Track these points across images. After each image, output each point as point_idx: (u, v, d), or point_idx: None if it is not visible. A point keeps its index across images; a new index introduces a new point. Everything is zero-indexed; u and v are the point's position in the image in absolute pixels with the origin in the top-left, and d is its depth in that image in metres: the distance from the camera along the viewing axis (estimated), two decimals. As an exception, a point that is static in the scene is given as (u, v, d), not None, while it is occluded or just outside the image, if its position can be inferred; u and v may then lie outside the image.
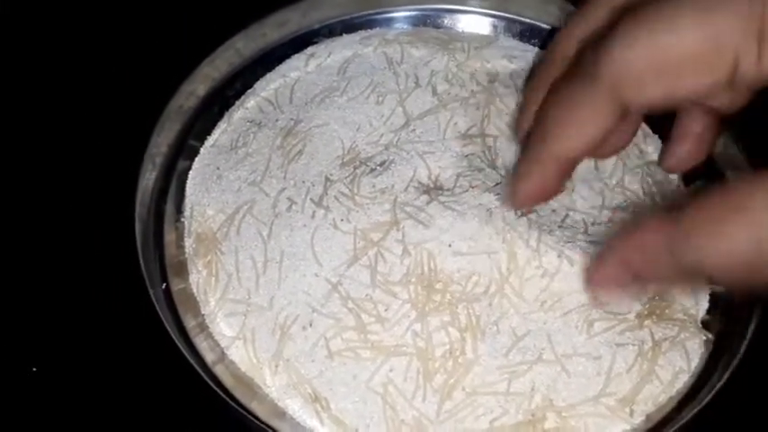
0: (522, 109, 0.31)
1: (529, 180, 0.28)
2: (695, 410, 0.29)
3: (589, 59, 0.23)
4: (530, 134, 0.29)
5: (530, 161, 0.28)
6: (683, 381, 0.31)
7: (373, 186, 0.35)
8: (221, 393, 0.29)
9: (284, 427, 0.29)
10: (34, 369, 0.31)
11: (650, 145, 0.39)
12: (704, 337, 0.32)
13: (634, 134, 0.30)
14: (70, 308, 0.32)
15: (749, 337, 0.30)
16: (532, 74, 0.28)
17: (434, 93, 0.40)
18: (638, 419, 0.30)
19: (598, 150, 0.27)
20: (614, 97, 0.23)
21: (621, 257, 0.25)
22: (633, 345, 0.31)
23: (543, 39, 0.43)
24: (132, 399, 0.30)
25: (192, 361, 0.30)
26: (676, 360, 0.31)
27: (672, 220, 0.22)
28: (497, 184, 0.35)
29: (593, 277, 0.28)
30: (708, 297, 0.33)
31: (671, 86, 0.23)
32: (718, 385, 0.29)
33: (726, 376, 0.29)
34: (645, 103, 0.24)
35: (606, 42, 0.22)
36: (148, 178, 0.36)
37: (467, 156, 0.37)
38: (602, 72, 0.22)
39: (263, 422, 0.29)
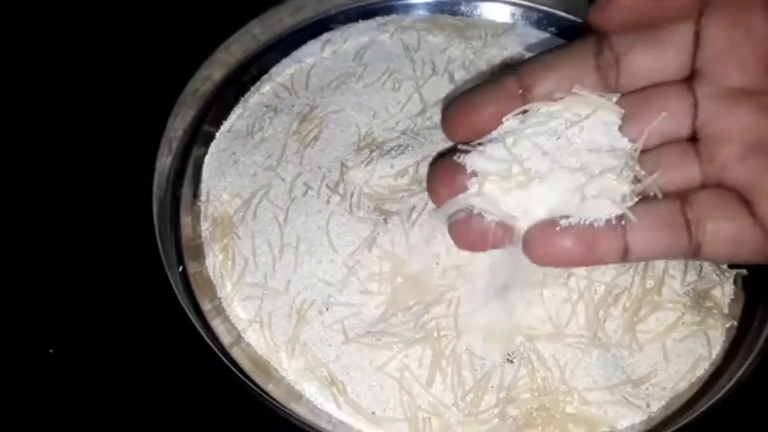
0: None
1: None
2: (713, 400, 0.29)
3: None
4: None
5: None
6: (703, 368, 0.31)
7: (390, 169, 0.35)
8: (239, 375, 0.29)
9: (301, 410, 0.29)
10: (51, 351, 0.31)
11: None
12: (727, 325, 0.31)
13: None
14: (88, 290, 0.32)
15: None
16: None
17: (451, 80, 0.40)
18: (657, 407, 0.30)
19: None
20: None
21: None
22: (655, 332, 0.31)
23: (560, 27, 0.43)
24: (149, 380, 0.30)
25: (210, 343, 0.30)
26: (697, 347, 0.31)
27: None
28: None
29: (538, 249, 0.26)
30: (733, 283, 0.33)
31: None
32: (739, 374, 0.29)
33: (747, 365, 0.29)
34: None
35: None
36: (165, 162, 0.36)
37: (484, 142, 0.37)
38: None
39: (280, 404, 0.29)
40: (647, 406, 0.30)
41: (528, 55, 0.42)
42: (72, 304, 0.32)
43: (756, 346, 0.30)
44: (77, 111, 0.38)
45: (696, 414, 0.28)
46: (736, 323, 0.32)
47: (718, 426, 0.28)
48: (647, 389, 0.30)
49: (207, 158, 0.38)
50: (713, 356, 0.31)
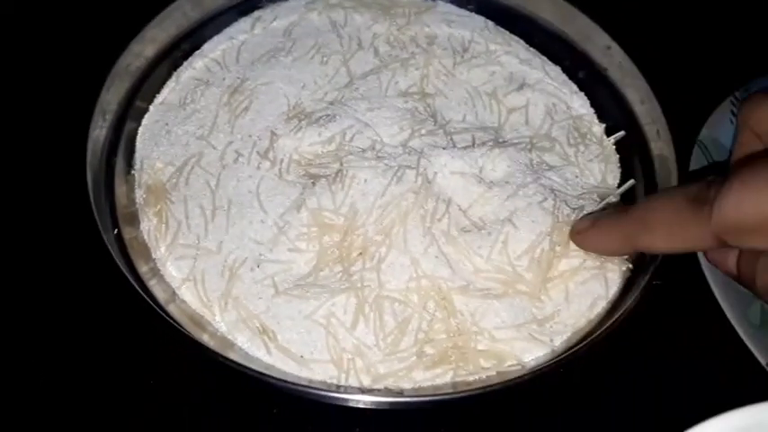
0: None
1: (601, 240, 0.33)
2: (605, 330, 0.32)
3: (708, 197, 0.27)
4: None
5: (614, 230, 0.32)
6: (601, 306, 0.34)
7: (318, 137, 0.37)
8: (177, 326, 0.31)
9: (235, 357, 0.31)
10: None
11: (576, 101, 0.42)
12: (624, 267, 0.35)
13: None
14: (27, 258, 0.33)
15: (657, 263, 0.33)
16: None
17: (376, 54, 0.42)
18: (559, 342, 0.33)
19: None
20: (716, 236, 0.27)
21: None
22: (560, 278, 0.34)
23: (479, 3, 0.46)
24: (91, 338, 0.32)
25: (148, 299, 0.31)
26: (596, 288, 0.34)
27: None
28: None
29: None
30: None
31: (764, 242, 0.26)
32: (627, 306, 0.32)
33: (634, 298, 0.32)
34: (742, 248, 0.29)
35: (721, 193, 0.26)
36: (99, 133, 0.37)
37: (409, 110, 0.39)
38: (713, 219, 0.26)
39: (216, 351, 0.30)
40: (551, 341, 0.33)
41: (449, 31, 0.44)
42: (12, 272, 0.33)
43: (642, 283, 0.33)
44: (11, 82, 0.39)
45: (587, 343, 0.31)
46: (631, 266, 0.35)
47: (607, 351, 0.32)
48: (551, 326, 0.33)
49: (140, 130, 0.39)
50: (610, 296, 0.34)
